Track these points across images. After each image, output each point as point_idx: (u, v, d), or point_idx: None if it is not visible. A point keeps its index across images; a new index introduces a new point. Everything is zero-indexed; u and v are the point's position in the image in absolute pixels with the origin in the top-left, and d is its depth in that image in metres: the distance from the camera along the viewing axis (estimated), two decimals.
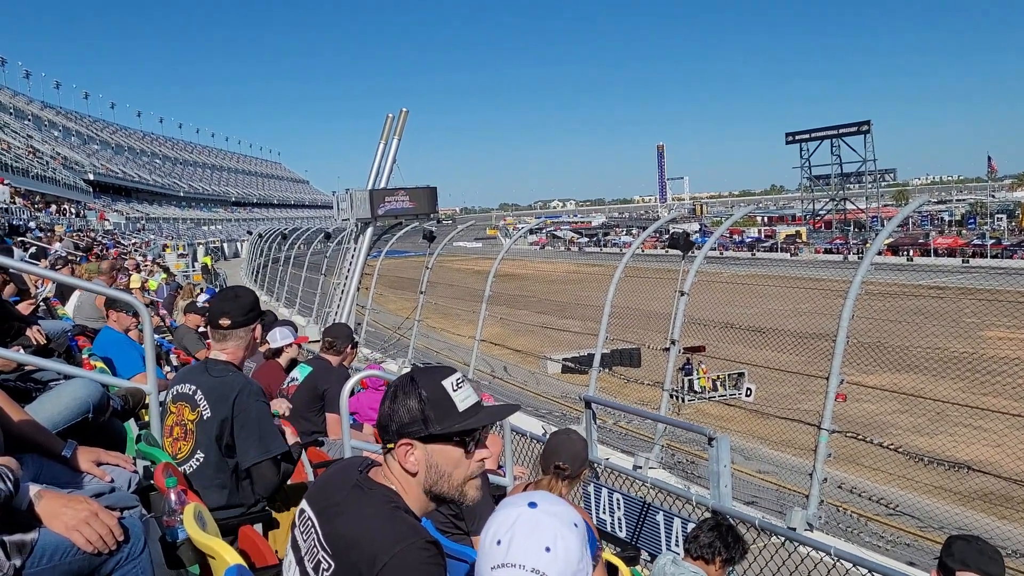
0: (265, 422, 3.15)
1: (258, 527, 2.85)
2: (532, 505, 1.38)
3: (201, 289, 14.64)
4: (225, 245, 77.50)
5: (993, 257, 53.65)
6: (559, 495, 3.42)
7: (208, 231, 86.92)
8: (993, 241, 59.29)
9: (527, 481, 4.00)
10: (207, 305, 8.79)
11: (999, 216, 72.37)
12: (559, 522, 1.36)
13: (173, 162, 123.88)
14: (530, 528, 1.34)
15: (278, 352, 6.19)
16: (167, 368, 6.93)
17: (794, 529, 6.39)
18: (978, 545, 2.86)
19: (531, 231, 62.37)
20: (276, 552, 2.38)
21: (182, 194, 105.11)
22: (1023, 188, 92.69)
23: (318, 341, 6.83)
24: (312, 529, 1.71)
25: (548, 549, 1.32)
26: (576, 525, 1.38)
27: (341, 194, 24.75)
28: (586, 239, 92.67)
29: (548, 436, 3.94)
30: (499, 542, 1.35)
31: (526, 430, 8.00)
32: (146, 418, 3.78)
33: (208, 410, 3.14)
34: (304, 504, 1.79)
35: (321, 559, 1.65)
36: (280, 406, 3.72)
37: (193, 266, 36.98)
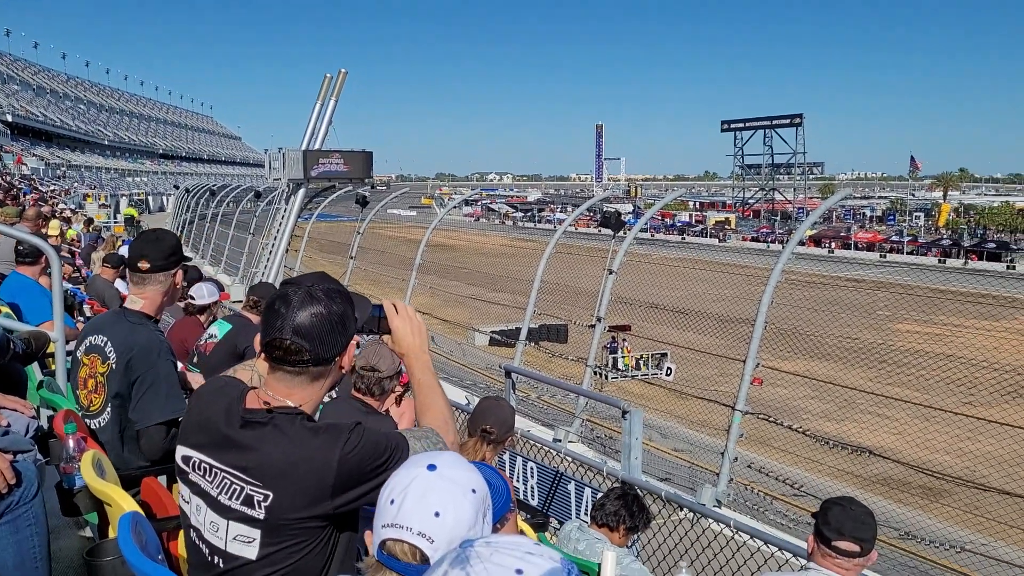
0: (171, 383, 3.05)
1: (162, 479, 2.79)
2: (431, 468, 1.36)
3: (123, 241, 14.15)
4: (150, 198, 74.73)
5: (909, 254, 55.85)
6: (483, 458, 3.45)
7: (133, 183, 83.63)
8: (910, 238, 61.78)
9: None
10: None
11: (917, 214, 75.41)
12: (455, 487, 1.35)
13: (99, 108, 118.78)
14: (422, 492, 1.33)
15: (202, 309, 6.04)
16: (79, 319, 6.71)
17: (704, 504, 6.59)
18: (852, 511, 2.81)
19: (466, 202, 62.34)
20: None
21: (107, 143, 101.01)
22: (942, 188, 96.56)
23: (240, 301, 6.70)
24: (216, 470, 1.72)
25: (437, 515, 1.31)
26: (474, 491, 1.36)
27: (274, 153, 24.16)
28: (521, 214, 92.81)
29: (478, 401, 3.95)
30: (392, 501, 1.34)
31: (450, 400, 8.03)
32: (52, 366, 3.67)
33: (115, 363, 3.04)
34: (187, 450, 1.79)
35: (253, 493, 1.68)
36: (194, 380, 3.55)
37: (115, 218, 35.62)
